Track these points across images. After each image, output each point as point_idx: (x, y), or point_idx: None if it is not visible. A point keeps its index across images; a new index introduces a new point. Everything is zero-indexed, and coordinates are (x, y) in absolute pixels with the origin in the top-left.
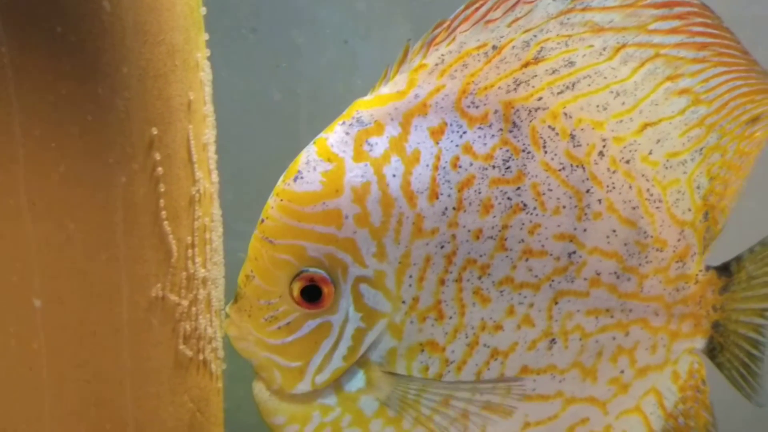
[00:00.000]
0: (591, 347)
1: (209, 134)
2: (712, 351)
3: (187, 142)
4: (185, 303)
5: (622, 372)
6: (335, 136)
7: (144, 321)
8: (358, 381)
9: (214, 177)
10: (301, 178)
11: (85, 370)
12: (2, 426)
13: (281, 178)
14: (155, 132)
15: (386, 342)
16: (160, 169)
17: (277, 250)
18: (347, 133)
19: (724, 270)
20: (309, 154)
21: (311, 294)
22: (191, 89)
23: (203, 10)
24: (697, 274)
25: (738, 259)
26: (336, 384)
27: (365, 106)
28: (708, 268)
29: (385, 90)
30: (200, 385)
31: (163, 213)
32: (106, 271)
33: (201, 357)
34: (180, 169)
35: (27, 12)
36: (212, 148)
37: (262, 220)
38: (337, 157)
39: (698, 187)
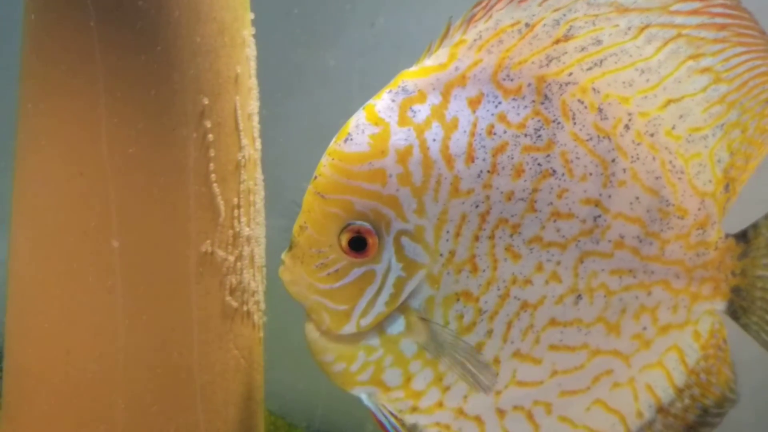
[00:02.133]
0: (615, 304)
1: (253, 105)
2: (734, 313)
3: (234, 112)
4: (231, 258)
5: (645, 329)
6: (382, 102)
7: (195, 273)
8: (399, 325)
9: (258, 144)
10: (351, 139)
11: (149, 314)
12: (74, 347)
13: (334, 139)
14: (206, 102)
15: (425, 291)
16: (210, 136)
17: (327, 204)
18: (393, 101)
19: (742, 237)
20: (359, 118)
21: (357, 244)
22: (238, 64)
23: None
24: (717, 242)
25: (755, 226)
26: (379, 327)
27: (410, 77)
28: (727, 235)
29: (428, 62)
30: (244, 334)
31: (213, 176)
32: (165, 226)
33: (245, 308)
34: (228, 136)
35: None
36: (256, 118)
37: (315, 177)
38: (384, 121)
39: (719, 161)
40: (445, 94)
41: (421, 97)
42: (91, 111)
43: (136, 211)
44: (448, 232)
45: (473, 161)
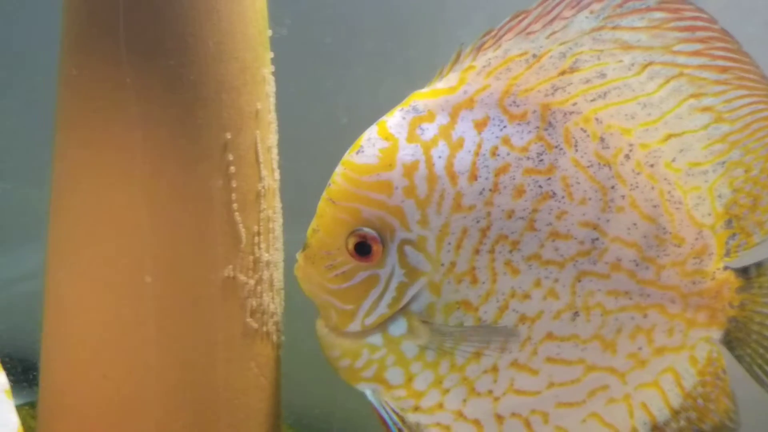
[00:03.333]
0: (611, 323)
1: (272, 138)
2: (730, 343)
3: (255, 146)
4: (252, 282)
5: (640, 349)
6: (394, 119)
7: (218, 297)
8: (401, 327)
9: (277, 175)
10: (362, 152)
11: (176, 337)
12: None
13: (348, 151)
14: (229, 136)
15: (426, 297)
16: (232, 168)
17: (338, 210)
18: (404, 118)
19: (744, 272)
20: (371, 132)
21: (363, 249)
22: (259, 100)
23: (269, 32)
24: (714, 272)
25: (759, 264)
26: (382, 328)
27: (421, 97)
28: (726, 267)
29: (439, 85)
30: (263, 353)
31: (235, 205)
32: (192, 253)
33: (264, 329)
34: (249, 168)
35: (146, 43)
36: (275, 150)
37: (329, 184)
38: (393, 137)
39: (719, 196)
40: (453, 115)
41: (430, 116)
42: (125, 145)
43: (168, 241)
44: (449, 243)
45: (476, 179)
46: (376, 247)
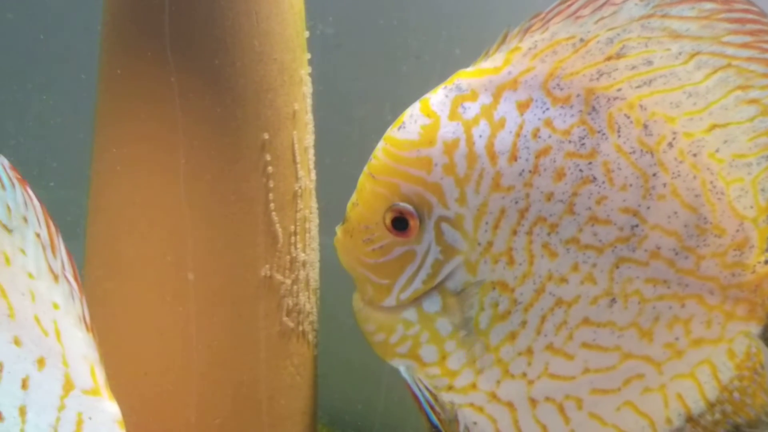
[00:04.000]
0: (648, 312)
1: (309, 139)
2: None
3: (292, 146)
4: (288, 282)
5: (677, 339)
6: (437, 97)
7: (256, 296)
8: (435, 305)
9: (313, 176)
10: (404, 128)
11: (217, 335)
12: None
13: (390, 126)
14: (266, 137)
15: (462, 276)
16: (270, 168)
17: (377, 184)
18: (446, 96)
19: None
20: (414, 109)
21: (400, 224)
22: (296, 101)
23: (306, 34)
24: (755, 265)
25: None
26: (417, 304)
27: (465, 76)
28: (767, 262)
29: (484, 65)
30: (299, 352)
31: (272, 205)
32: (231, 252)
33: (300, 328)
34: (286, 168)
35: (189, 43)
36: (311, 151)
37: (371, 159)
38: (435, 114)
39: (763, 190)
40: (496, 95)
41: (473, 95)
42: (168, 144)
43: (208, 239)
44: (487, 223)
45: (516, 160)
46: (413, 223)
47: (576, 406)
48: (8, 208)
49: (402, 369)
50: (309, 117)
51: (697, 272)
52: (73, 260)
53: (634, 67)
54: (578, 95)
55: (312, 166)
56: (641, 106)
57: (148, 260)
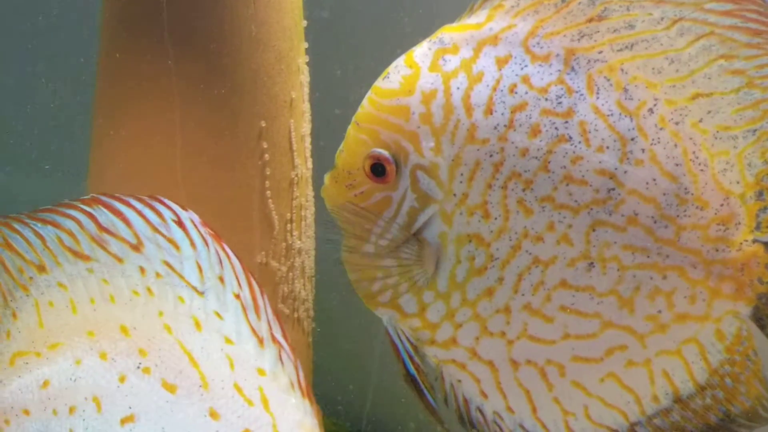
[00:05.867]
0: (628, 280)
1: (306, 127)
2: (760, 321)
3: (288, 134)
4: (284, 269)
5: (660, 312)
6: (420, 49)
7: None
8: (412, 253)
9: (309, 164)
10: (388, 78)
11: None
12: None
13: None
14: (263, 124)
15: (438, 226)
16: (266, 155)
17: (360, 131)
18: (429, 49)
19: None
20: (399, 60)
21: (378, 170)
22: (293, 89)
23: (304, 23)
24: (741, 243)
25: None
26: (395, 253)
27: (449, 30)
28: (755, 240)
29: (467, 20)
30: (294, 339)
31: (268, 192)
32: (226, 239)
33: (295, 315)
34: (282, 156)
35: (187, 29)
36: (308, 139)
37: (359, 108)
38: (417, 65)
39: (750, 165)
40: (477, 50)
41: (455, 49)
42: (165, 129)
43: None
44: (462, 174)
45: (492, 114)
46: (389, 169)
47: (558, 372)
48: (199, 268)
49: (385, 319)
50: (306, 105)
51: (677, 243)
52: (281, 319)
53: (615, 30)
54: (558, 55)
55: (308, 154)
56: (622, 69)
57: None
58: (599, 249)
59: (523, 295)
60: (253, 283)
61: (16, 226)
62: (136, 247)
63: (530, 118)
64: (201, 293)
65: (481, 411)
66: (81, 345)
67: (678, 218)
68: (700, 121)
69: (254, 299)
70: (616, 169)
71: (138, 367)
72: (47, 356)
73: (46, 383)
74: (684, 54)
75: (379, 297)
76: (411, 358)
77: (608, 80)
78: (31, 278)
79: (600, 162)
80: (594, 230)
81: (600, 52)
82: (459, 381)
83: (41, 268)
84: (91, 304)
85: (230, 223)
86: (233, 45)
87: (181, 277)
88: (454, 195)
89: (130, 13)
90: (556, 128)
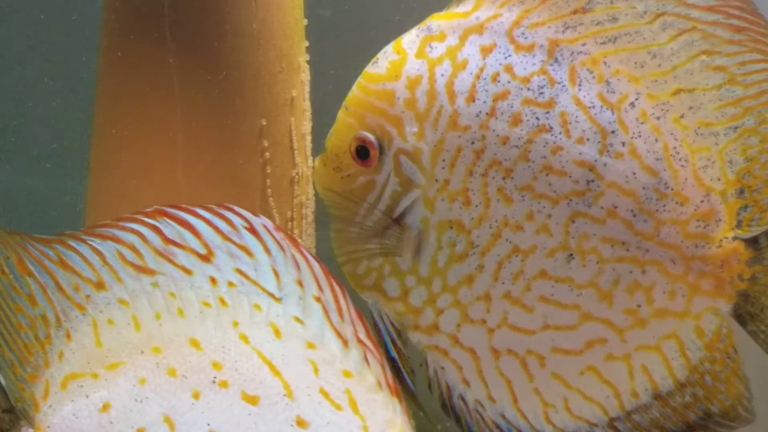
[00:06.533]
0: (608, 273)
1: (306, 126)
2: (741, 317)
3: (289, 132)
4: None
5: (639, 306)
6: (409, 37)
7: None
8: (395, 237)
9: (310, 162)
10: (376, 63)
11: None
12: None
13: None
14: (264, 122)
15: (420, 211)
16: (267, 153)
17: (348, 114)
18: (417, 36)
19: (753, 242)
20: (388, 47)
21: (362, 153)
22: (294, 87)
23: (305, 21)
24: (721, 240)
25: None
26: (379, 236)
27: (437, 18)
28: (735, 238)
29: (456, 9)
30: None
31: (269, 190)
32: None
33: None
34: (283, 154)
35: (188, 27)
36: (309, 137)
37: (350, 92)
38: (404, 51)
39: (731, 162)
40: (462, 38)
41: (441, 37)
42: (167, 127)
43: None
44: (444, 160)
45: (474, 101)
46: (373, 152)
47: (539, 363)
48: (276, 274)
49: (370, 303)
50: (306, 104)
51: (656, 237)
52: (364, 319)
53: (599, 23)
54: (542, 45)
55: (309, 152)
56: (605, 62)
57: None
58: (578, 241)
59: (503, 283)
60: (334, 284)
61: (72, 243)
62: (206, 258)
63: (512, 107)
64: (279, 299)
65: (463, 399)
66: (145, 363)
67: (657, 213)
68: (682, 116)
69: (336, 301)
70: (595, 161)
71: (213, 382)
72: (106, 377)
73: (106, 406)
74: (666, 49)
75: (365, 280)
76: (393, 341)
77: (591, 73)
78: (88, 296)
79: (580, 153)
80: (573, 221)
81: (584, 45)
82: (442, 368)
83: (99, 286)
84: (156, 319)
85: None
86: (234, 43)
87: (256, 284)
88: (436, 181)
89: (132, 11)
90: (537, 118)
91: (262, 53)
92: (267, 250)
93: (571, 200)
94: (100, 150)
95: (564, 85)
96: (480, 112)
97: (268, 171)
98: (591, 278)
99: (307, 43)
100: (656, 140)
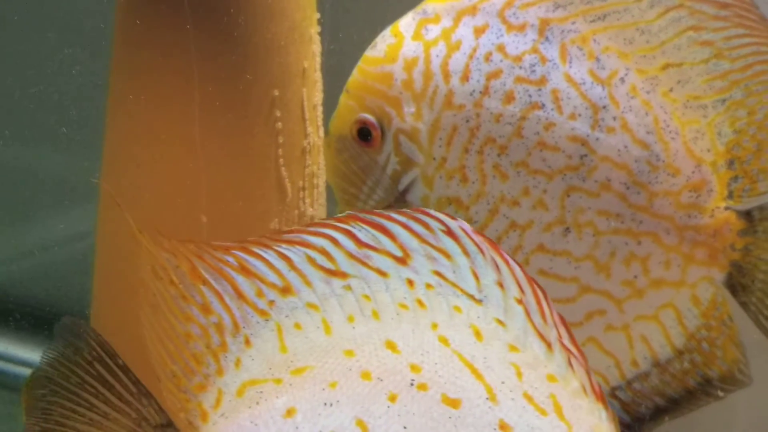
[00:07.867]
0: (604, 245)
1: (318, 97)
2: (733, 288)
3: (301, 103)
4: None
5: (636, 277)
6: (405, 20)
7: None
8: None
9: (321, 132)
10: (375, 46)
11: None
12: None
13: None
14: (276, 93)
15: (420, 189)
16: (279, 124)
17: (349, 97)
18: (413, 19)
19: (746, 214)
20: (386, 30)
21: (363, 134)
22: (306, 59)
23: None
24: (713, 210)
25: (762, 208)
26: None
27: (432, 2)
28: (728, 208)
29: None
30: None
31: (281, 160)
32: (241, 204)
33: None
34: (295, 124)
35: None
36: (320, 108)
37: (350, 76)
38: (401, 34)
39: (720, 134)
40: (456, 20)
41: (436, 19)
42: (183, 95)
43: (219, 189)
44: (440, 138)
45: (468, 80)
46: (375, 134)
47: None
48: (475, 276)
49: None
50: (318, 75)
51: (650, 209)
52: (567, 324)
53: (588, 2)
54: (533, 25)
55: (320, 123)
56: (595, 39)
57: (163, 212)
58: (574, 214)
59: None
60: (536, 287)
61: (256, 249)
62: (402, 260)
63: (504, 85)
64: (479, 301)
65: None
66: (336, 366)
67: (650, 185)
68: (671, 90)
69: (538, 303)
70: (588, 135)
71: (411, 384)
72: (290, 382)
73: (290, 411)
74: (654, 25)
75: None
76: None
77: (581, 50)
78: (272, 302)
79: (572, 129)
80: (568, 195)
81: (573, 23)
82: None
83: (285, 290)
84: (349, 322)
85: (246, 190)
86: (248, 14)
87: (456, 286)
88: (434, 159)
89: None
90: (529, 95)
91: (275, 24)
92: (465, 252)
93: (565, 175)
94: (115, 120)
95: (555, 63)
96: (474, 90)
97: (280, 141)
98: (588, 251)
99: (318, 15)
100: (646, 114)
